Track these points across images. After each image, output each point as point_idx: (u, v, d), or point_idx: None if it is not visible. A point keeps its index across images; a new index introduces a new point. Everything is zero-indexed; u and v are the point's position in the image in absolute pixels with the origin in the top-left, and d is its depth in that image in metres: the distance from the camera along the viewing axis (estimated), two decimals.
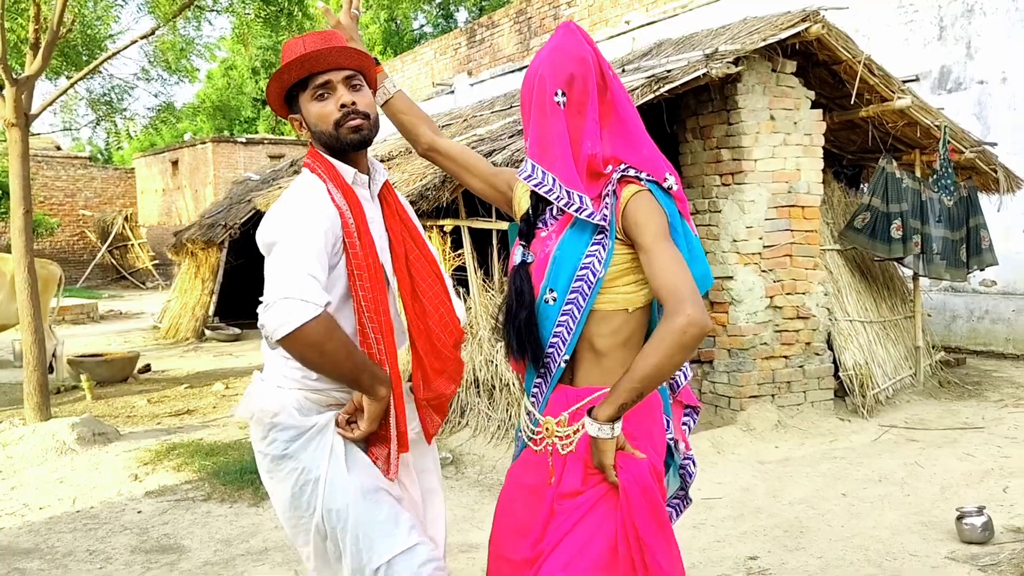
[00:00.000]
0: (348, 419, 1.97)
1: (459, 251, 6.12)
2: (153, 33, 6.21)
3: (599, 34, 12.85)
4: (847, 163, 7.37)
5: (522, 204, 2.03)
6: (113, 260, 24.81)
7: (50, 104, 5.69)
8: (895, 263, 6.89)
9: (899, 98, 5.98)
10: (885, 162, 6.27)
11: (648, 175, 1.84)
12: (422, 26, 31.43)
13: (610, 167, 1.85)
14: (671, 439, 1.97)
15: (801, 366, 5.91)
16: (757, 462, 5.05)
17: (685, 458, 2.06)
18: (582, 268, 1.81)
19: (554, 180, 1.83)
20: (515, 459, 2.03)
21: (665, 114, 5.87)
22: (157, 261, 23.65)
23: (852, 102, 6.05)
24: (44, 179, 25.52)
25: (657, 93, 4.91)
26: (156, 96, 9.30)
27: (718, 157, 5.80)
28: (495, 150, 5.20)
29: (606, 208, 1.82)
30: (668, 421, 1.97)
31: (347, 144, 1.98)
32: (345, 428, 1.97)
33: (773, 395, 5.79)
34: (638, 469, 1.75)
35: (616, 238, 1.81)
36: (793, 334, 5.88)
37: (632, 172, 1.83)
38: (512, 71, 14.55)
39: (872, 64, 5.79)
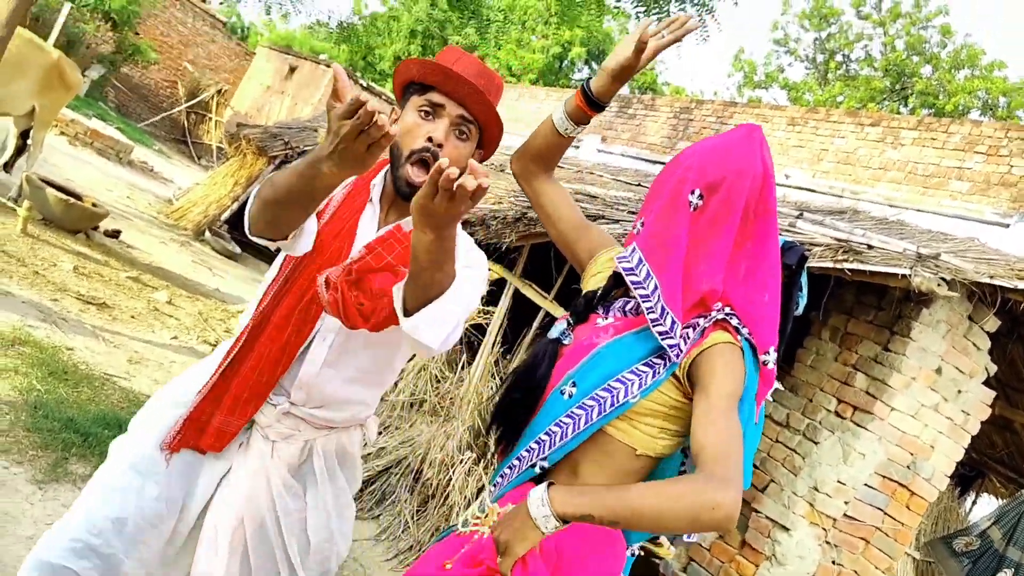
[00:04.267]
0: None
1: (491, 308, 4.75)
2: None
3: None
4: (967, 462, 5.88)
5: (595, 281, 1.77)
6: (185, 122, 24.00)
7: None
8: None
9: None
10: None
11: (750, 333, 1.55)
12: (582, 79, 30.80)
13: (718, 305, 1.56)
14: None
15: None
16: None
17: None
18: (618, 381, 1.55)
19: (656, 288, 1.55)
20: (436, 541, 1.71)
21: (824, 302, 4.46)
22: (223, 146, 22.73)
23: None
24: (171, 17, 25.14)
25: (839, 265, 3.52)
26: None
27: (849, 378, 4.37)
28: (602, 217, 3.84)
29: (684, 340, 1.53)
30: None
31: (396, 184, 1.73)
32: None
33: None
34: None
35: (673, 375, 1.53)
36: None
37: (735, 321, 1.54)
38: (646, 159, 13.36)
39: None
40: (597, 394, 1.56)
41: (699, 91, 39.49)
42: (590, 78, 1.74)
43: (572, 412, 1.57)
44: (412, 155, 1.68)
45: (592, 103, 1.74)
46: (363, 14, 31.27)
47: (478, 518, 1.63)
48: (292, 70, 24.10)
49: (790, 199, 9.36)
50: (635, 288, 1.59)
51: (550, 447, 1.59)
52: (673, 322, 1.54)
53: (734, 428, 1.43)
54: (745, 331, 1.55)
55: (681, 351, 1.53)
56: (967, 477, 6.01)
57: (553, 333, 1.72)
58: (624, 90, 29.34)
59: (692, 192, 1.57)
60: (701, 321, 1.55)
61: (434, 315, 1.49)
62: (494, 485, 1.70)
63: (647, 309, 1.57)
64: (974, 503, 6.05)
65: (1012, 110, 24.30)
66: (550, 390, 1.63)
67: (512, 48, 29.20)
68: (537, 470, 1.61)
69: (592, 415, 1.55)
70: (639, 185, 5.79)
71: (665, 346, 1.54)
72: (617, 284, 1.71)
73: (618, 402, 1.54)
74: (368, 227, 1.76)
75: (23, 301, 4.71)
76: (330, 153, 1.35)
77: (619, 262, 1.64)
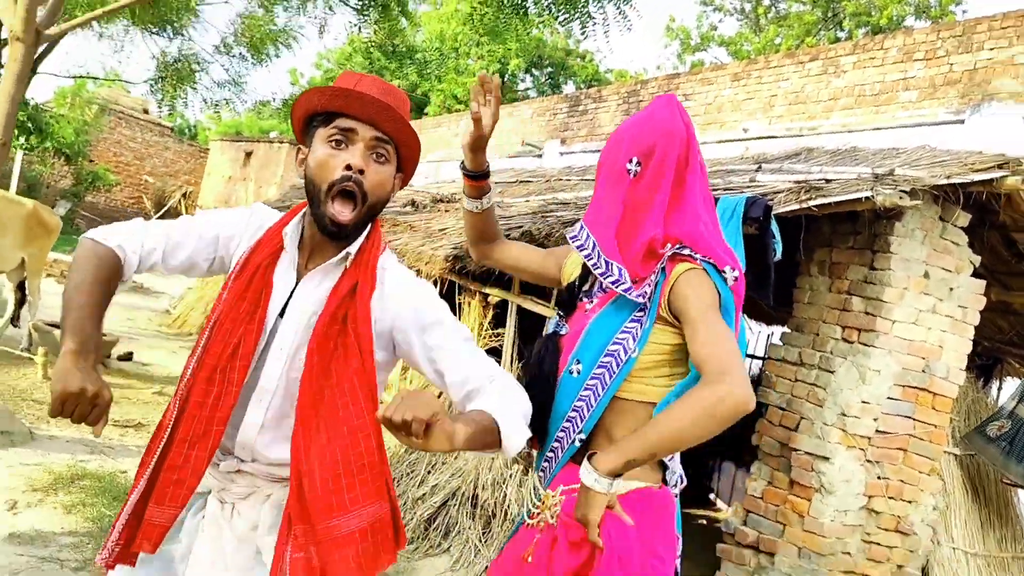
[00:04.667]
0: None
1: (500, 330, 4.98)
2: None
3: (711, 135, 11.85)
4: (981, 352, 6.09)
5: (570, 274, 1.96)
6: None
7: (70, 28, 4.75)
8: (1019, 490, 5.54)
9: None
10: None
11: (705, 257, 1.71)
12: (527, 88, 31.08)
13: (668, 245, 1.74)
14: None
15: None
16: None
17: None
18: (614, 343, 1.72)
19: (594, 245, 1.77)
20: (508, 539, 1.93)
21: (803, 239, 4.69)
22: None
23: None
24: (120, 136, 25.47)
25: (804, 205, 3.76)
26: (227, 71, 8.42)
27: (846, 304, 4.59)
28: (578, 220, 4.09)
29: (649, 286, 1.72)
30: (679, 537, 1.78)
31: (319, 224, 1.61)
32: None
33: None
34: (625, 537, 1.64)
35: (658, 317, 1.70)
36: (885, 550, 4.55)
37: (687, 251, 1.72)
38: None
39: None
40: (602, 362, 1.71)
41: (643, 70, 39.90)
42: (463, 162, 1.95)
43: (587, 385, 1.72)
44: (332, 188, 1.58)
45: (476, 176, 1.95)
46: (300, 83, 31.72)
47: (537, 507, 1.79)
48: (248, 155, 24.43)
49: (752, 152, 9.62)
50: (579, 251, 1.79)
51: (581, 421, 1.73)
52: (620, 269, 1.73)
53: (719, 330, 1.60)
54: (699, 256, 1.71)
55: (645, 293, 1.71)
56: (986, 367, 6.21)
57: (549, 328, 1.90)
58: (571, 89, 29.62)
59: (630, 161, 1.75)
60: (660, 264, 1.72)
61: (515, 421, 1.50)
62: (540, 474, 1.84)
63: (592, 266, 1.76)
64: (999, 389, 6.24)
65: (944, 7, 24.65)
66: (559, 376, 1.78)
67: (452, 77, 29.55)
68: (577, 443, 1.75)
69: (606, 380, 1.70)
70: None
71: (624, 293, 1.72)
72: (588, 270, 1.88)
73: (622, 361, 1.69)
74: (285, 278, 1.66)
75: (67, 440, 4.93)
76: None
77: (568, 236, 1.84)
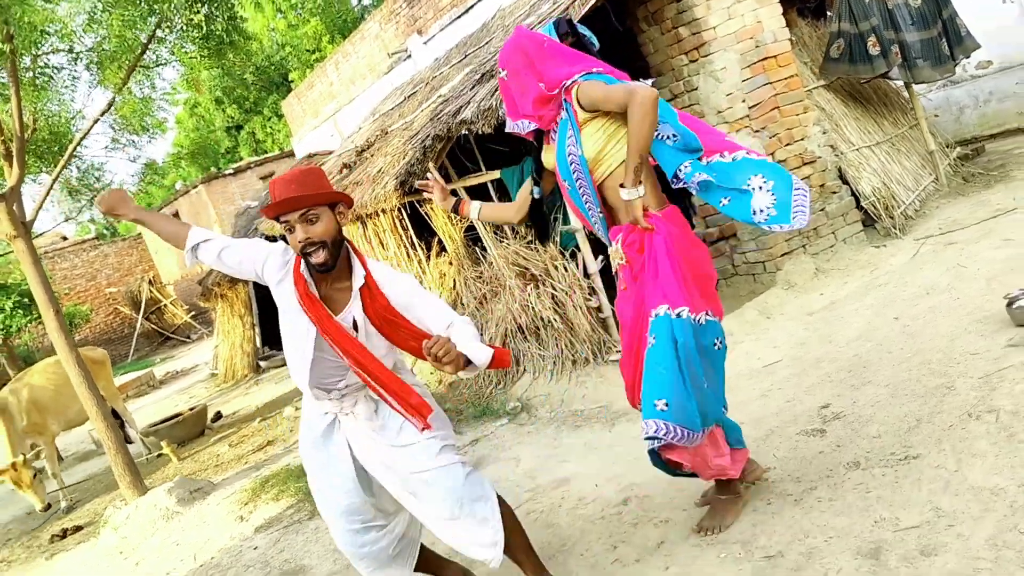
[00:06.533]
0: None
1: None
2: (111, 106, 6.27)
3: None
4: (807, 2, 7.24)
5: (549, 162, 2.95)
6: (153, 325, 25.35)
7: (41, 205, 5.83)
8: (884, 79, 6.81)
9: None
10: None
11: (579, 76, 2.79)
12: (361, 2, 30.98)
13: (556, 89, 2.80)
14: None
15: (822, 209, 5.93)
16: (806, 315, 5.13)
17: None
18: (569, 156, 2.81)
19: (510, 122, 3.02)
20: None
21: (612, 14, 5.83)
22: (193, 312, 24.14)
23: None
24: (62, 271, 26.01)
25: None
26: (134, 161, 9.32)
27: (678, 37, 5.76)
28: (461, 107, 5.22)
29: (555, 111, 2.85)
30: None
31: (314, 268, 2.60)
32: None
33: (804, 246, 5.83)
34: (658, 218, 2.72)
35: (580, 123, 2.75)
36: (804, 181, 5.87)
37: (569, 82, 2.76)
38: (459, 16, 14.36)
39: None
40: (571, 170, 2.79)
41: None
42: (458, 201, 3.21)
43: (579, 187, 2.81)
44: (304, 253, 2.55)
45: (455, 211, 3.19)
46: (168, 125, 31.73)
47: (616, 255, 2.87)
48: (176, 216, 25.15)
49: None
50: (514, 131, 2.97)
51: (596, 207, 2.82)
52: (524, 123, 2.90)
53: (611, 89, 2.65)
54: (576, 78, 2.76)
55: (557, 120, 2.82)
56: (817, 7, 7.35)
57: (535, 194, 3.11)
58: None
59: (498, 73, 2.98)
60: (558, 95, 2.79)
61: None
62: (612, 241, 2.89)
63: (518, 132, 2.95)
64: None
65: None
66: (567, 193, 2.90)
67: (292, 39, 29.47)
68: (604, 217, 2.85)
69: (584, 177, 2.77)
70: (465, 58, 7.09)
71: (542, 128, 2.89)
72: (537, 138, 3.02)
73: (578, 159, 2.76)
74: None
75: (235, 474, 6.31)
76: None
77: (508, 130, 3.03)
